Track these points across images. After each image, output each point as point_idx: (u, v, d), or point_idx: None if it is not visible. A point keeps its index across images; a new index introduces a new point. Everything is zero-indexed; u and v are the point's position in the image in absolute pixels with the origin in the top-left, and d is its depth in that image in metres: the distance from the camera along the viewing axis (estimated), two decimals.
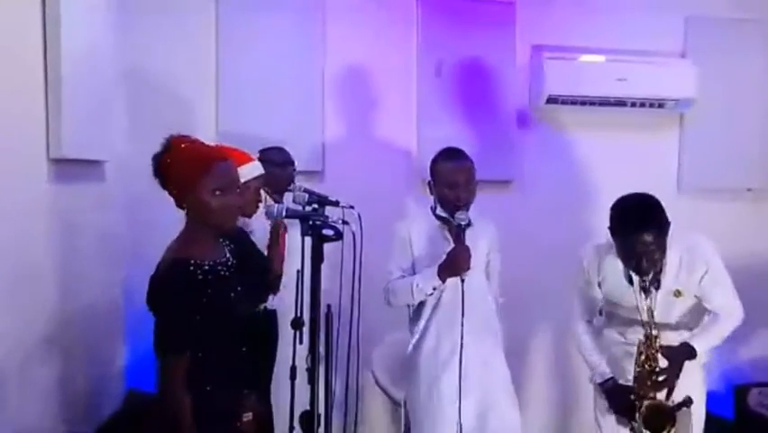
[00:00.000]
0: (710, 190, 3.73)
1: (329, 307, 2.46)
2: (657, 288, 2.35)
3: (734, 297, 2.52)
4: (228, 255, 1.91)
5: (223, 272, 1.84)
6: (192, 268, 1.75)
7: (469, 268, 2.41)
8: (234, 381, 1.89)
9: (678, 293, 2.47)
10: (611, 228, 2.39)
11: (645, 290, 2.33)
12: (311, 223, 2.30)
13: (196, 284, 1.75)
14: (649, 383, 2.39)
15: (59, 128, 2.41)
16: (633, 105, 3.58)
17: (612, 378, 2.56)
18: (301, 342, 2.60)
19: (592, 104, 3.55)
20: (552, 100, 3.52)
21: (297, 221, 2.41)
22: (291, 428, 2.65)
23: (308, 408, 2.39)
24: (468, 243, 2.43)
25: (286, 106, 3.42)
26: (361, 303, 2.46)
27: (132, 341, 3.34)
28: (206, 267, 1.78)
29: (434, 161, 2.59)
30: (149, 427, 1.90)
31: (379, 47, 3.55)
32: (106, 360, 3.09)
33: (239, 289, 1.88)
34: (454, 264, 2.41)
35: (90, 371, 2.88)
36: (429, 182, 2.59)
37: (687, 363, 2.43)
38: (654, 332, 2.36)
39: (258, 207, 2.62)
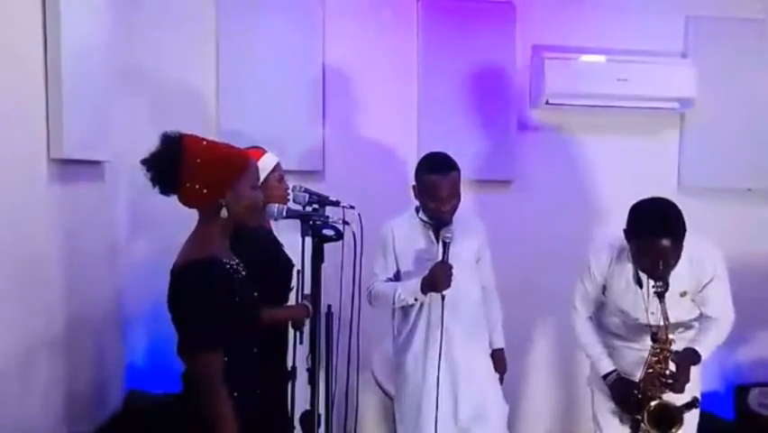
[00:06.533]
0: (710, 190, 3.72)
1: (329, 307, 2.46)
2: (666, 289, 2.34)
3: (731, 305, 2.55)
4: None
5: (243, 272, 1.87)
6: (227, 266, 1.79)
7: (449, 285, 2.44)
8: (254, 382, 1.89)
9: (683, 294, 2.48)
10: (628, 231, 2.37)
11: (660, 295, 2.31)
12: (311, 223, 2.31)
13: (231, 282, 1.77)
14: (657, 384, 2.41)
15: (60, 128, 2.41)
16: (633, 105, 3.57)
17: (615, 370, 2.58)
18: (301, 342, 2.61)
19: (592, 104, 3.55)
20: (552, 100, 3.52)
21: (297, 221, 2.43)
22: (291, 427, 2.65)
23: (308, 408, 2.40)
24: (455, 246, 2.45)
25: (286, 106, 3.42)
26: (361, 303, 2.47)
27: (132, 341, 3.34)
28: (234, 266, 1.82)
29: (419, 169, 2.57)
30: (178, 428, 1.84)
31: (380, 47, 3.55)
32: (107, 360, 3.09)
33: (259, 288, 1.91)
34: (436, 281, 2.44)
35: (90, 371, 2.88)
36: (413, 186, 2.58)
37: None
38: (671, 336, 2.37)
39: (287, 195, 2.62)
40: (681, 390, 2.42)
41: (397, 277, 2.64)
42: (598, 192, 3.69)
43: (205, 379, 1.73)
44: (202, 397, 1.73)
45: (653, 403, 2.41)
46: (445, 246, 2.44)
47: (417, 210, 2.62)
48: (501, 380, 2.80)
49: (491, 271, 2.79)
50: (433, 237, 2.56)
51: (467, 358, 2.61)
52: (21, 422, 2.22)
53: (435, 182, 2.47)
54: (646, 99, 3.56)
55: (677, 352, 2.42)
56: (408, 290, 2.52)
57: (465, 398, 2.60)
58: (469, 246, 2.62)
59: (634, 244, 2.38)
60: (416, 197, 2.58)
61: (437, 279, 2.43)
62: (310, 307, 2.40)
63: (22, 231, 2.22)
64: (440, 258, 2.45)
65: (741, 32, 3.69)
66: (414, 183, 2.58)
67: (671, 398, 2.43)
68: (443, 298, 2.47)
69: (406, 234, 2.61)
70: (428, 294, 2.50)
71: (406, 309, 2.63)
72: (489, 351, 2.74)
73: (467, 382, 2.60)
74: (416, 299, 2.54)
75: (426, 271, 2.46)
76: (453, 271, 2.43)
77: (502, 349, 2.81)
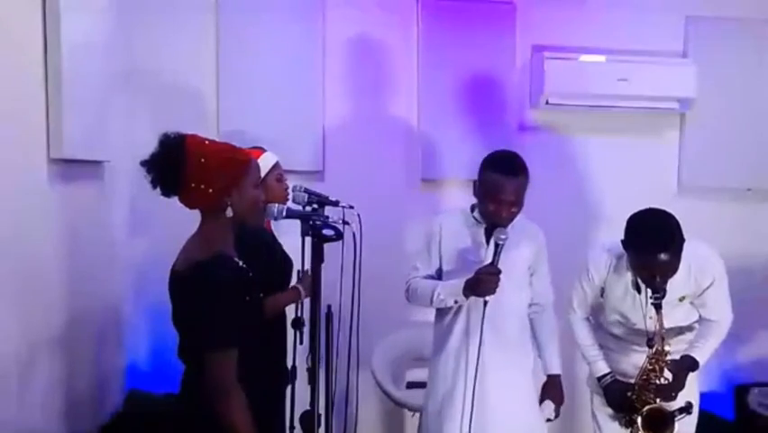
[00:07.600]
0: (710, 190, 3.72)
1: (329, 307, 2.46)
2: (663, 297, 2.32)
3: (729, 306, 2.55)
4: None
5: (249, 271, 1.86)
6: (240, 264, 1.80)
7: (494, 292, 2.23)
8: (254, 382, 1.87)
9: (682, 298, 2.48)
10: (626, 243, 2.36)
11: (657, 307, 2.30)
12: (311, 223, 2.31)
13: (242, 281, 1.78)
14: (651, 389, 2.42)
15: (60, 128, 2.41)
16: (633, 105, 3.57)
17: (610, 373, 2.58)
18: (301, 342, 2.61)
19: (592, 104, 3.55)
20: (552, 100, 3.52)
21: (297, 221, 2.43)
22: (291, 427, 2.66)
23: (308, 408, 2.40)
24: (505, 252, 2.24)
25: (286, 106, 3.42)
26: (361, 303, 2.47)
27: (132, 341, 3.34)
28: (242, 265, 1.82)
29: (483, 165, 2.35)
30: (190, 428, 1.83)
31: (380, 47, 3.55)
32: (107, 360, 3.09)
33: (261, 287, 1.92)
34: (481, 285, 2.23)
35: (91, 371, 2.88)
36: (474, 182, 2.37)
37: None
38: (667, 348, 2.37)
39: (287, 195, 2.62)
40: (673, 397, 2.43)
41: (438, 275, 2.47)
42: (598, 192, 3.69)
43: (220, 379, 1.70)
44: (217, 398, 1.70)
45: (646, 408, 2.41)
46: (497, 248, 2.22)
47: (473, 209, 2.43)
48: (557, 411, 2.51)
49: (549, 285, 2.55)
50: (483, 238, 2.36)
51: (501, 376, 2.38)
52: (21, 422, 2.22)
53: (499, 183, 2.26)
54: (646, 99, 3.56)
55: (674, 360, 2.42)
56: (449, 291, 2.33)
57: (495, 422, 2.36)
58: (520, 255, 2.41)
59: (632, 257, 2.38)
60: (474, 194, 2.38)
61: (483, 282, 2.21)
62: (301, 289, 2.39)
63: (22, 231, 2.22)
64: (488, 260, 2.25)
65: (741, 32, 3.70)
66: (476, 179, 2.38)
67: (664, 402, 2.44)
68: (485, 304, 2.24)
69: (454, 232, 2.43)
70: (470, 298, 2.30)
71: (443, 310, 2.45)
72: (531, 373, 2.49)
73: (499, 403, 2.37)
74: (455, 302, 2.35)
75: (471, 273, 2.26)
76: (501, 277, 2.22)
77: (558, 376, 2.52)
